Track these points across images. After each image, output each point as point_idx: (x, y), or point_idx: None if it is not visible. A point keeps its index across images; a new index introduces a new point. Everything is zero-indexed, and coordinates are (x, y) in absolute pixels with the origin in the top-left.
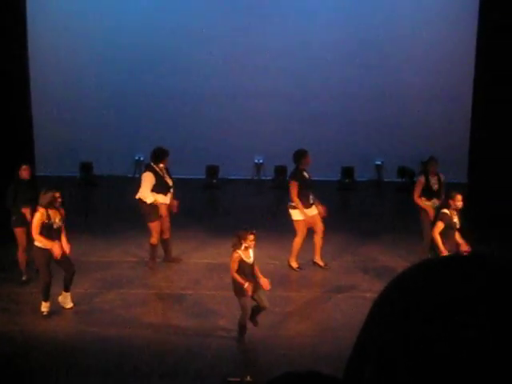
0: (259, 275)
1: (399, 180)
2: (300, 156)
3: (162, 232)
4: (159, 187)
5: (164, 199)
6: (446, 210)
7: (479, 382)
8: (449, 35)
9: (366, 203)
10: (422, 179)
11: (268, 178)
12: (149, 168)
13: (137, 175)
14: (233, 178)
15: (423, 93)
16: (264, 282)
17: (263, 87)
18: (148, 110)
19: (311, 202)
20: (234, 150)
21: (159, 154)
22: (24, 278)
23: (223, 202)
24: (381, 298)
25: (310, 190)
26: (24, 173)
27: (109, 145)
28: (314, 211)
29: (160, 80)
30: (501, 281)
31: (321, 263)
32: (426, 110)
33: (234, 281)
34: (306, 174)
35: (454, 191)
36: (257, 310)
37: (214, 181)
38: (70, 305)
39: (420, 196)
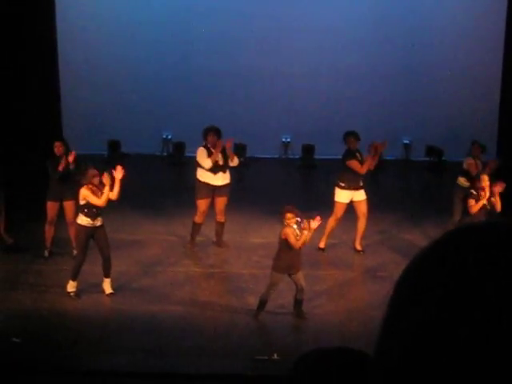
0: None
1: (427, 159)
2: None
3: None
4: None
5: (212, 179)
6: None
7: None
8: (479, 13)
9: (393, 182)
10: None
11: (295, 157)
12: (202, 145)
13: (164, 153)
14: (260, 156)
15: (452, 71)
16: None
17: (291, 66)
18: (176, 89)
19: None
20: (262, 128)
21: (205, 131)
22: (46, 254)
23: (251, 180)
24: (406, 273)
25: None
26: (55, 149)
27: (137, 123)
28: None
29: (188, 58)
30: None
31: (358, 248)
32: (454, 88)
33: (277, 257)
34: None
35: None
36: (298, 301)
37: (242, 159)
38: (108, 291)
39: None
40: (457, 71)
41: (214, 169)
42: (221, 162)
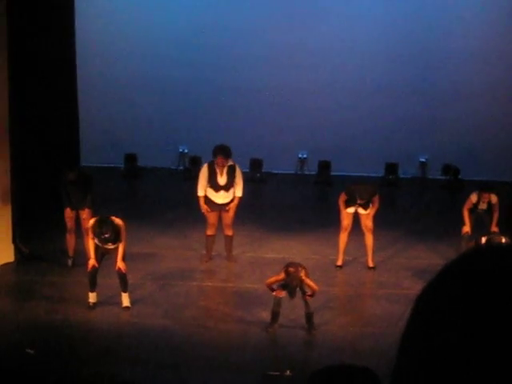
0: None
1: (443, 177)
2: None
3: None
4: (209, 183)
5: (213, 196)
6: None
7: None
8: (498, 31)
9: (409, 200)
10: (472, 197)
11: (312, 173)
12: (208, 162)
13: (180, 167)
14: (276, 172)
15: (469, 89)
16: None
17: (308, 82)
18: (193, 103)
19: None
20: (278, 144)
21: (213, 151)
22: (69, 263)
23: (267, 195)
24: (424, 293)
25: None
26: (70, 176)
27: (153, 137)
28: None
29: (205, 73)
30: None
31: (371, 264)
32: (471, 106)
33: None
34: None
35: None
36: (308, 315)
37: (258, 174)
38: (125, 304)
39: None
40: (474, 88)
41: (216, 187)
42: (222, 183)
